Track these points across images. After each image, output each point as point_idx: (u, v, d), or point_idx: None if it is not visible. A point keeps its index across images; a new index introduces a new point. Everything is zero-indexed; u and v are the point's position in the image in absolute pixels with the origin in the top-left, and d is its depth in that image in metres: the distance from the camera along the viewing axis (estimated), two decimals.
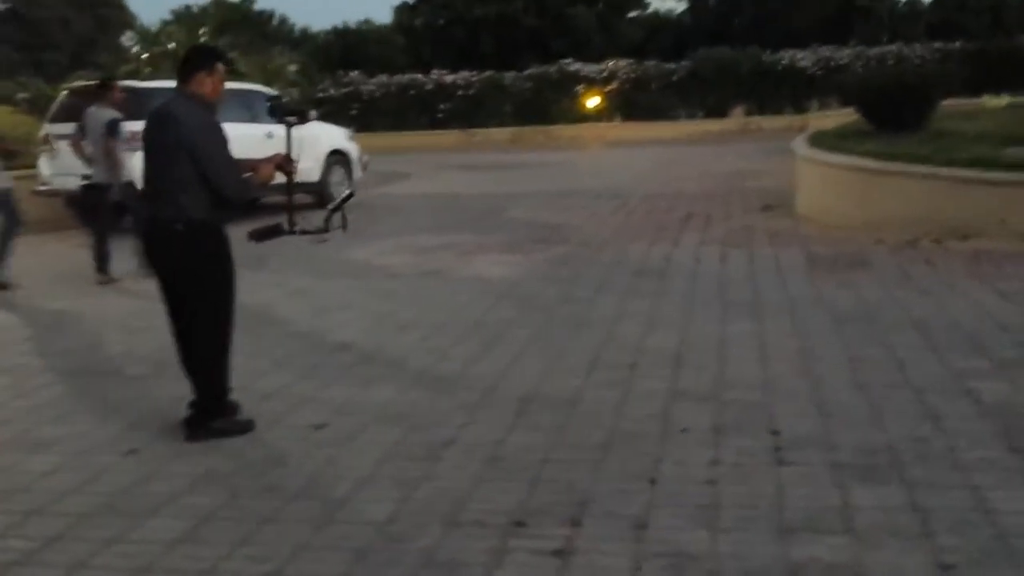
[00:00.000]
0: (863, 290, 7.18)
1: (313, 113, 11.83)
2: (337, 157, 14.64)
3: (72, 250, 11.10)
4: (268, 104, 12.07)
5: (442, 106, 33.11)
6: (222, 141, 4.54)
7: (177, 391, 5.02)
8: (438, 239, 10.71)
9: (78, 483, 4.11)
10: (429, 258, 9.46)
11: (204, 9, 50.24)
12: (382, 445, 4.42)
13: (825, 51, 32.06)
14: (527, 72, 33.09)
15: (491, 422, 4.68)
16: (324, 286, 8.30)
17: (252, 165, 4.99)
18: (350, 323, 6.88)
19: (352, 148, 15.13)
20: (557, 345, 6.04)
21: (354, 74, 33.58)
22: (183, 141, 4.41)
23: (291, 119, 11.44)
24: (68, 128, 11.85)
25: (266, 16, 55.17)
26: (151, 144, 4.58)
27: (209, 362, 4.65)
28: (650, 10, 51.20)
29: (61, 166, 12.01)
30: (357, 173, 15.13)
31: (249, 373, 5.40)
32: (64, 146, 12.00)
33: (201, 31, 18.40)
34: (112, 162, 9.25)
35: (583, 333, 6.31)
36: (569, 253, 9.44)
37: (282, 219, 11.38)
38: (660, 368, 5.42)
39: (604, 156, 25.10)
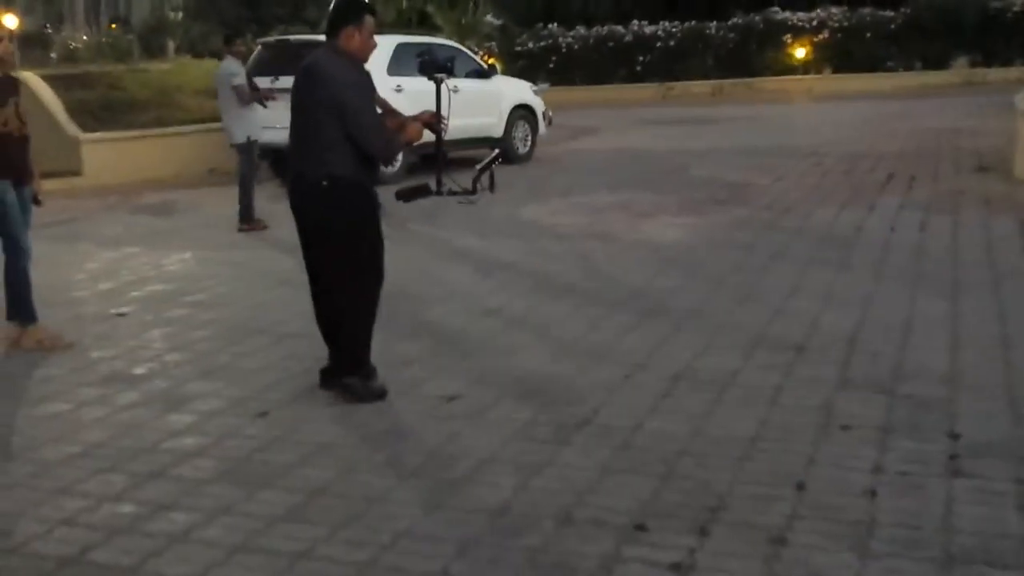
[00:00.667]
0: None
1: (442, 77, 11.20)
2: (521, 112, 14.39)
3: (263, 203, 11.41)
4: (418, 60, 11.70)
5: (641, 58, 32.30)
6: (369, 99, 4.42)
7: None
8: (614, 197, 10.31)
9: (203, 446, 4.06)
10: (601, 218, 9.09)
11: None
12: (511, 423, 4.16)
13: None
14: (731, 22, 31.72)
15: (632, 403, 4.32)
16: (487, 246, 8.10)
17: (399, 123, 4.85)
18: (505, 286, 6.64)
19: (537, 103, 14.84)
20: (720, 319, 5.58)
21: (552, 27, 33.23)
22: (330, 98, 4.29)
23: (440, 75, 11.23)
24: (264, 82, 12.21)
25: None
26: (298, 101, 4.47)
27: (354, 321, 4.52)
28: None
29: (259, 119, 12.36)
30: (541, 129, 14.84)
31: (390, 337, 5.23)
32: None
33: None
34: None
35: (750, 307, 5.81)
36: (750, 216, 8.84)
37: (430, 179, 11.36)
38: (830, 351, 4.88)
39: (809, 111, 23.75)
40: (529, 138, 14.52)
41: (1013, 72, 27.74)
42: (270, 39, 13.04)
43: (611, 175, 12.36)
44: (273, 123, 12.08)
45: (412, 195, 10.81)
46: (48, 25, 27.74)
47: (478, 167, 11.82)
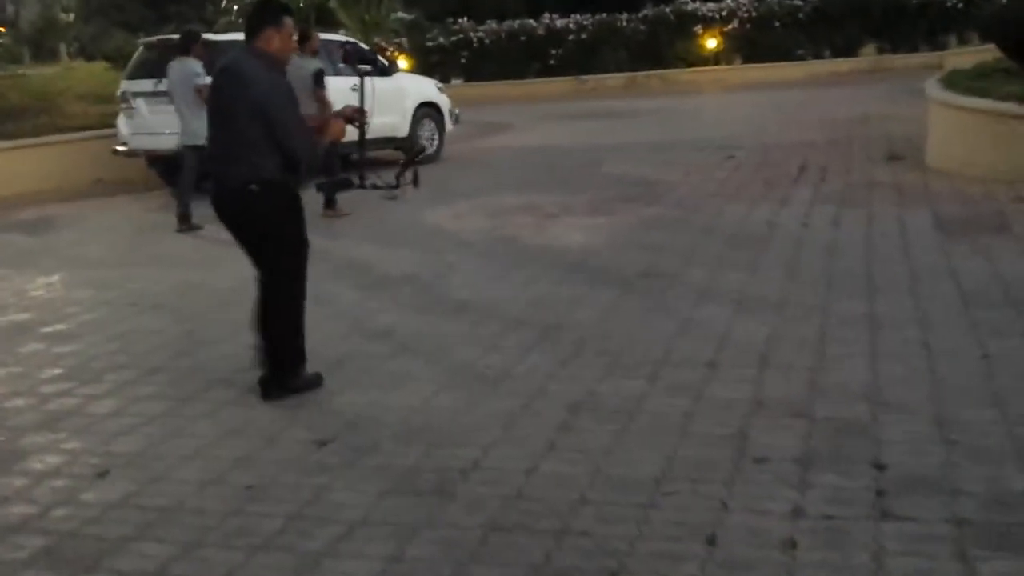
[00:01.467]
0: (1004, 261, 6.03)
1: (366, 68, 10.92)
2: (426, 110, 13.85)
3: (146, 213, 10.71)
4: (342, 53, 11.38)
5: (553, 52, 31.97)
6: (291, 102, 4.39)
7: (190, 391, 4.43)
8: (522, 198, 9.87)
9: (27, 517, 3.47)
10: (506, 221, 8.63)
11: None
12: (390, 472, 3.66)
13: None
14: (641, 14, 31.59)
15: (528, 440, 3.86)
16: (382, 255, 7.57)
17: (321, 121, 4.92)
18: (397, 303, 6.13)
19: (443, 100, 14.32)
20: (625, 334, 5.15)
21: (463, 22, 32.70)
22: (253, 102, 4.23)
23: (364, 67, 10.82)
24: (146, 85, 11.45)
25: None
26: (219, 104, 4.41)
27: (287, 319, 4.51)
28: None
29: (140, 125, 11.61)
30: (448, 126, 14.34)
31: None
32: (142, 103, 11.61)
33: None
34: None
35: (658, 318, 5.40)
36: (660, 215, 8.47)
37: (352, 173, 10.94)
38: (743, 367, 4.49)
39: (721, 101, 23.69)
40: (436, 137, 14.00)
41: (918, 58, 28.14)
42: (151, 39, 12.26)
43: (520, 174, 11.94)
44: (161, 128, 11.43)
45: (333, 189, 10.35)
46: None
47: (401, 162, 11.46)
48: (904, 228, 7.17)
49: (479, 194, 10.37)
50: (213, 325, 5.84)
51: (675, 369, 4.54)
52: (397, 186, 10.83)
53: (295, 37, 4.52)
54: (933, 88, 10.42)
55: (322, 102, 8.90)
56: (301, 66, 8.99)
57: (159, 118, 11.30)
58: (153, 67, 11.47)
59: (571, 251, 7.23)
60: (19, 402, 4.75)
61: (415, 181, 11.00)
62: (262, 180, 4.28)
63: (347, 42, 13.06)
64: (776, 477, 3.39)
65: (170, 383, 4.80)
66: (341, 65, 11.72)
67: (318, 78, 8.99)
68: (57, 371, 5.20)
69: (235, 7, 18.06)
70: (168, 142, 11.22)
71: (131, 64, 12.16)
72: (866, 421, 3.81)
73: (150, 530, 3.31)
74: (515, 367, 4.76)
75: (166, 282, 7.10)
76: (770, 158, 11.65)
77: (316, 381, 4.60)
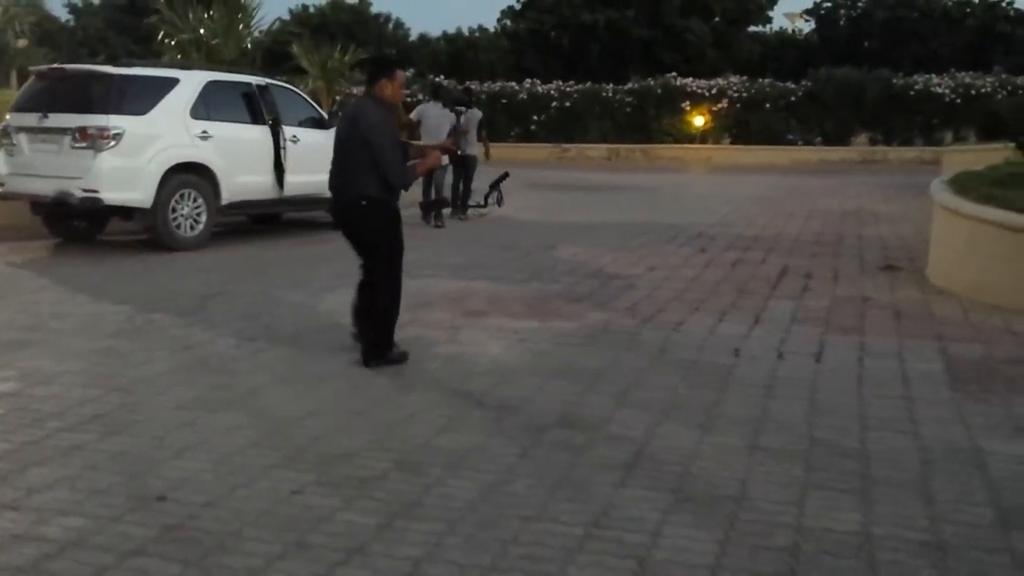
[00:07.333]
0: None
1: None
2: None
3: (13, 269, 9.03)
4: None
5: (536, 118, 30.82)
6: (392, 136, 5.44)
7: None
8: (452, 283, 8.29)
9: None
10: (418, 316, 7.00)
11: (321, 10, 49.08)
12: None
13: (965, 77, 28.56)
14: (628, 85, 30.50)
15: None
16: (237, 357, 5.91)
17: (422, 150, 6.11)
18: (192, 452, 4.43)
19: None
20: (502, 535, 3.49)
21: (441, 79, 31.48)
22: (363, 135, 5.34)
23: (460, 108, 13.21)
24: (32, 119, 9.88)
25: (382, 19, 53.84)
26: (342, 137, 5.52)
27: (389, 306, 5.62)
28: (774, 27, 48.14)
29: (20, 164, 9.98)
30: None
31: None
32: (24, 140, 10.02)
33: (251, 29, 16.18)
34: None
35: (559, 505, 3.74)
36: (607, 324, 6.88)
37: (447, 195, 13.19)
38: None
39: (702, 182, 22.38)
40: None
41: (912, 152, 27.15)
42: (43, 68, 10.62)
43: (463, 252, 10.39)
44: (43, 170, 9.87)
45: (432, 207, 12.89)
46: None
47: (489, 185, 14.49)
48: (906, 375, 5.58)
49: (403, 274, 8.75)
50: None
51: None
52: (485, 205, 14.37)
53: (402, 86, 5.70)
54: (940, 191, 8.91)
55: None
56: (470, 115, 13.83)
57: (41, 158, 9.73)
58: (42, 99, 9.93)
59: (478, 373, 5.59)
60: None
61: (500, 201, 14.59)
62: (369, 197, 5.40)
63: (263, 85, 11.49)
64: None
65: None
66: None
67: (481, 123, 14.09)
68: None
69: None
70: (48, 186, 9.67)
71: (19, 94, 10.57)
72: None
73: None
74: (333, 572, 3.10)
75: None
76: (748, 256, 10.16)
77: (403, 358, 5.66)
